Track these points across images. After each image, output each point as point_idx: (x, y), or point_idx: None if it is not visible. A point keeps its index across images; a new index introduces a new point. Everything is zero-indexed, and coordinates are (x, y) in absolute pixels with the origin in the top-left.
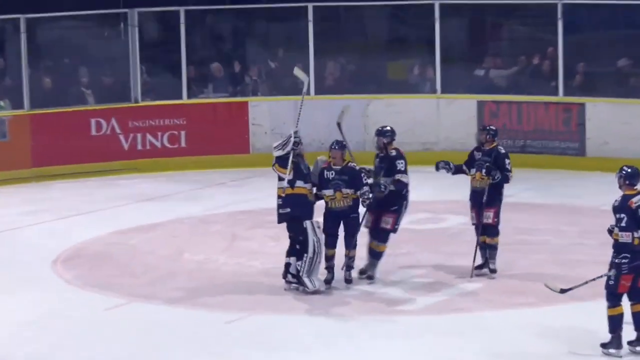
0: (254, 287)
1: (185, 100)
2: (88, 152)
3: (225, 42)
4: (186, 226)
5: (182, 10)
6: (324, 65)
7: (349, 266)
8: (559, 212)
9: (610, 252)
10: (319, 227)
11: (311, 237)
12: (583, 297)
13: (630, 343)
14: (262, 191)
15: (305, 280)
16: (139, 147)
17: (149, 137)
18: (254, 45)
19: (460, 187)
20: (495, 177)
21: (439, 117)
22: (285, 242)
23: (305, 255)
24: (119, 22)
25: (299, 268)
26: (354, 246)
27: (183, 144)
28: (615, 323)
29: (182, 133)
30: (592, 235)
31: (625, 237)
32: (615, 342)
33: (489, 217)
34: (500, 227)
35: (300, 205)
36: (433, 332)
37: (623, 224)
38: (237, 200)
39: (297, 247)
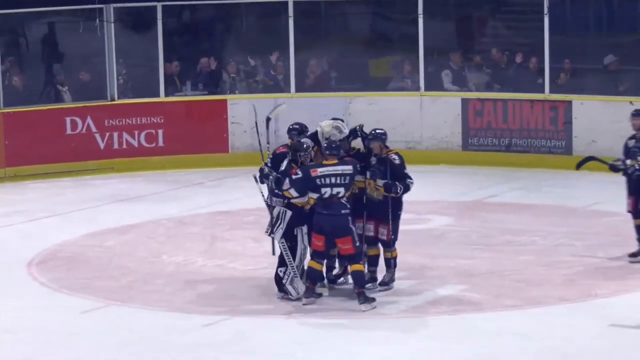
0: (234, 290)
1: (162, 98)
2: (63, 152)
3: (203, 38)
4: (164, 227)
5: (159, 5)
6: (305, 62)
7: (330, 267)
8: (546, 212)
9: (597, 253)
10: (306, 234)
11: (300, 245)
12: (572, 298)
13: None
14: (242, 191)
15: (289, 287)
16: (116, 146)
17: (125, 136)
18: (233, 42)
19: (442, 186)
20: (398, 192)
21: (422, 115)
22: (266, 244)
23: (291, 263)
24: (94, 17)
25: (280, 274)
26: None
27: (160, 143)
28: (313, 276)
29: (160, 132)
30: (580, 235)
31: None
32: (309, 292)
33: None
34: (488, 227)
35: (295, 213)
36: (417, 335)
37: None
38: (216, 200)
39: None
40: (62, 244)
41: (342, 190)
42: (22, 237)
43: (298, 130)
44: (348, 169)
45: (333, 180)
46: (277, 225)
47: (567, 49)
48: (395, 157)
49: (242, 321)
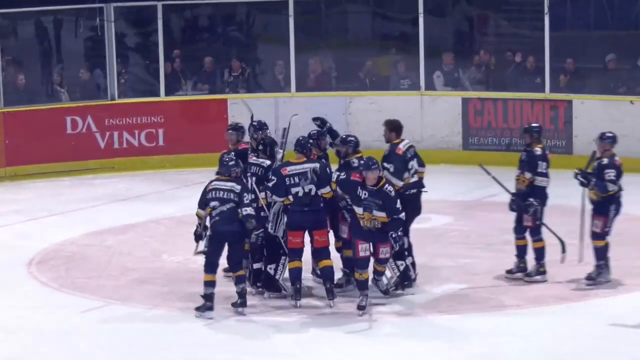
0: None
1: (162, 97)
2: (63, 151)
3: (203, 37)
4: (164, 227)
5: (159, 5)
6: (305, 61)
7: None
8: (546, 212)
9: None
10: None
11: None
12: (572, 298)
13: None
14: None
15: (282, 283)
16: (116, 145)
17: (125, 135)
18: (233, 41)
19: (443, 186)
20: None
21: (422, 114)
22: None
23: (284, 258)
24: (95, 17)
25: (271, 272)
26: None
27: (161, 143)
28: (298, 275)
29: (160, 131)
30: (578, 235)
31: None
32: (298, 293)
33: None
34: (488, 227)
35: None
36: (417, 335)
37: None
38: None
39: (265, 252)
40: (62, 243)
41: (312, 187)
42: (22, 236)
43: (255, 127)
44: (314, 166)
45: (302, 179)
46: (279, 221)
47: (567, 48)
48: (390, 188)
49: (242, 321)
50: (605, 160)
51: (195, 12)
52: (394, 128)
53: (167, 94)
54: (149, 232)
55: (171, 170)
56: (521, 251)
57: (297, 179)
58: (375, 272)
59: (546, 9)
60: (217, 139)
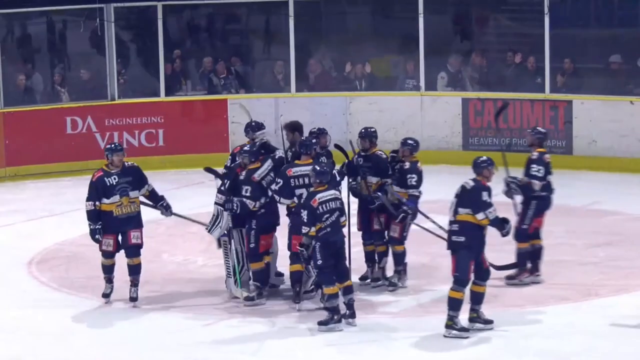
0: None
1: (162, 98)
2: (63, 151)
3: (203, 37)
4: (164, 227)
5: (159, 5)
6: (305, 61)
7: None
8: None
9: (597, 252)
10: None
11: (235, 247)
12: (572, 298)
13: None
14: None
15: (229, 285)
16: None
17: (125, 135)
18: (233, 41)
19: (443, 186)
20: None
21: (422, 115)
22: None
23: (227, 262)
24: (94, 17)
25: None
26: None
27: (161, 143)
28: (299, 279)
29: (160, 131)
30: (579, 235)
31: None
32: (298, 296)
33: None
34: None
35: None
36: (417, 334)
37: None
38: None
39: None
40: (62, 243)
41: None
42: (22, 236)
43: (253, 127)
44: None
45: (307, 180)
46: (216, 223)
47: (567, 48)
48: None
49: (242, 321)
50: (407, 165)
51: (195, 12)
52: (295, 128)
53: (167, 94)
54: (149, 232)
55: (171, 170)
56: (370, 256)
57: (302, 181)
58: (475, 300)
59: (546, 9)
60: (217, 139)
